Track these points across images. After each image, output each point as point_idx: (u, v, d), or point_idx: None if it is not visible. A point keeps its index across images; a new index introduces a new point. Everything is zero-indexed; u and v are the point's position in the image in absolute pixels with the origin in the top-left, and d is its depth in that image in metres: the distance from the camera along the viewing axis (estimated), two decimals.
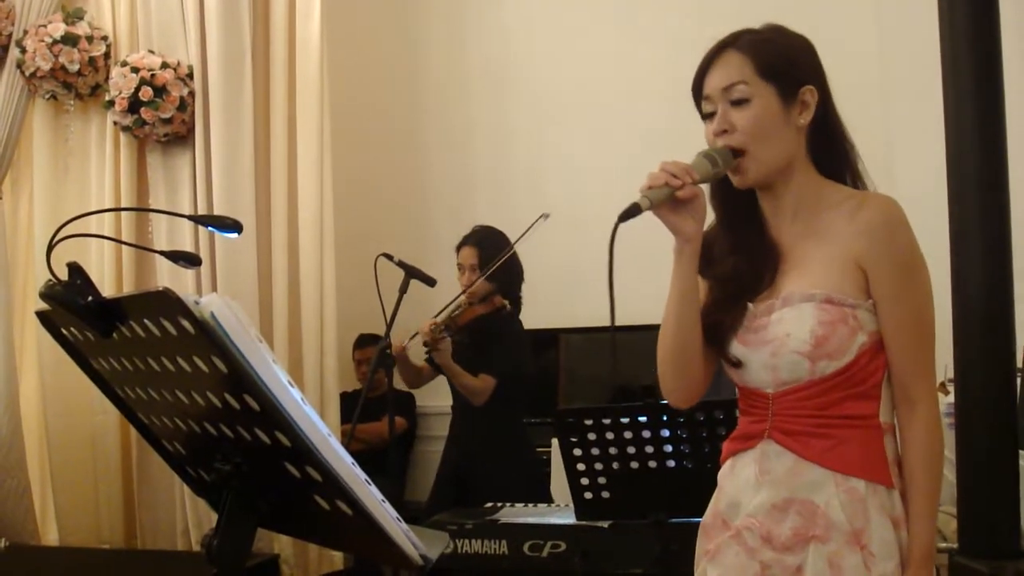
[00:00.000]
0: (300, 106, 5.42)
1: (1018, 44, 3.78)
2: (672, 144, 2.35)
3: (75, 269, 1.54)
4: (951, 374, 2.75)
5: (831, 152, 2.12)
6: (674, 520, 3.24)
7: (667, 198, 1.99)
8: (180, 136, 5.45)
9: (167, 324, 1.40)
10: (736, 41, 2.08)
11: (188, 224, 5.32)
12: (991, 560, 1.08)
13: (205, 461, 1.66)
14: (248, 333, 1.36)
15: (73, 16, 5.51)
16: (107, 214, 5.48)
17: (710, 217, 2.13)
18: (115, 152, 5.59)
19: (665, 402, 3.36)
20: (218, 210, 5.22)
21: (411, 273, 4.41)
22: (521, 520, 3.66)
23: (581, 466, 3.31)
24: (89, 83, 5.53)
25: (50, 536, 5.72)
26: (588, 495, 3.35)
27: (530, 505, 4.01)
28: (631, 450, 3.22)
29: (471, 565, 3.64)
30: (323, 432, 1.41)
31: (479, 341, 4.60)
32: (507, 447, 4.64)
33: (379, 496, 1.46)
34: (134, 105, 5.27)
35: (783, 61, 2.05)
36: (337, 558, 5.35)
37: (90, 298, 1.52)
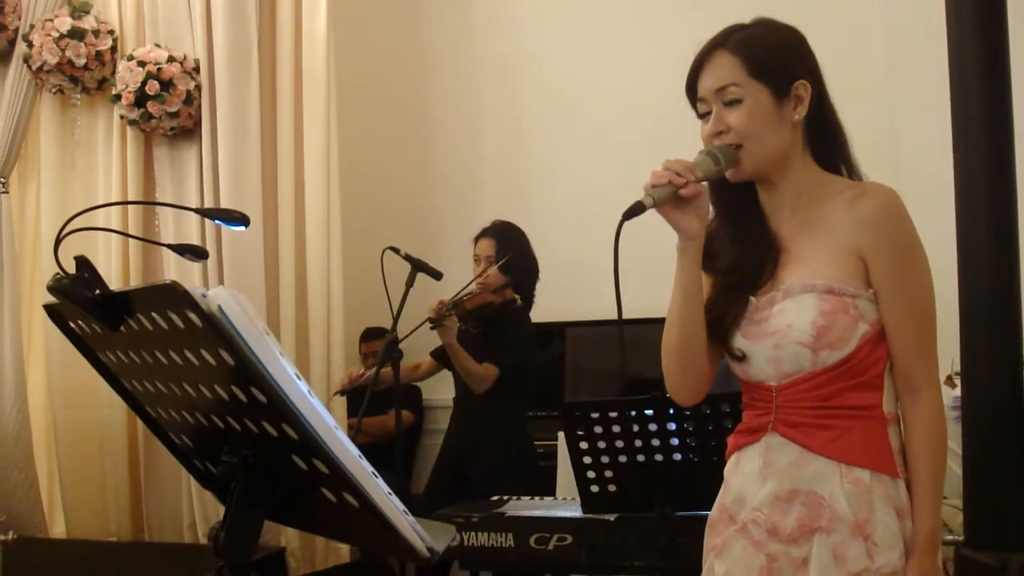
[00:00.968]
0: (307, 99, 5.41)
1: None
2: (681, 139, 2.36)
3: (82, 262, 1.55)
4: (958, 367, 2.75)
5: (827, 144, 2.13)
6: (680, 513, 3.24)
7: (670, 196, 2.00)
8: (187, 130, 5.45)
9: (174, 317, 1.41)
10: (726, 41, 2.09)
11: (195, 218, 5.33)
12: (997, 552, 1.08)
13: (212, 454, 1.67)
14: (255, 326, 1.36)
15: (79, 10, 5.51)
16: (114, 208, 5.49)
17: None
18: (122, 146, 5.59)
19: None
20: (225, 204, 5.22)
21: (418, 267, 4.42)
22: (527, 513, 3.67)
23: (587, 459, 3.31)
24: (96, 77, 5.54)
25: (57, 529, 5.73)
26: (594, 488, 3.35)
27: (536, 498, 4.01)
28: (637, 443, 3.22)
29: (477, 558, 3.64)
30: (330, 424, 1.41)
31: (486, 331, 4.61)
32: (507, 441, 4.65)
33: (386, 489, 1.46)
34: (141, 99, 5.27)
35: (774, 58, 2.06)
36: (344, 551, 5.35)
37: (97, 291, 1.53)
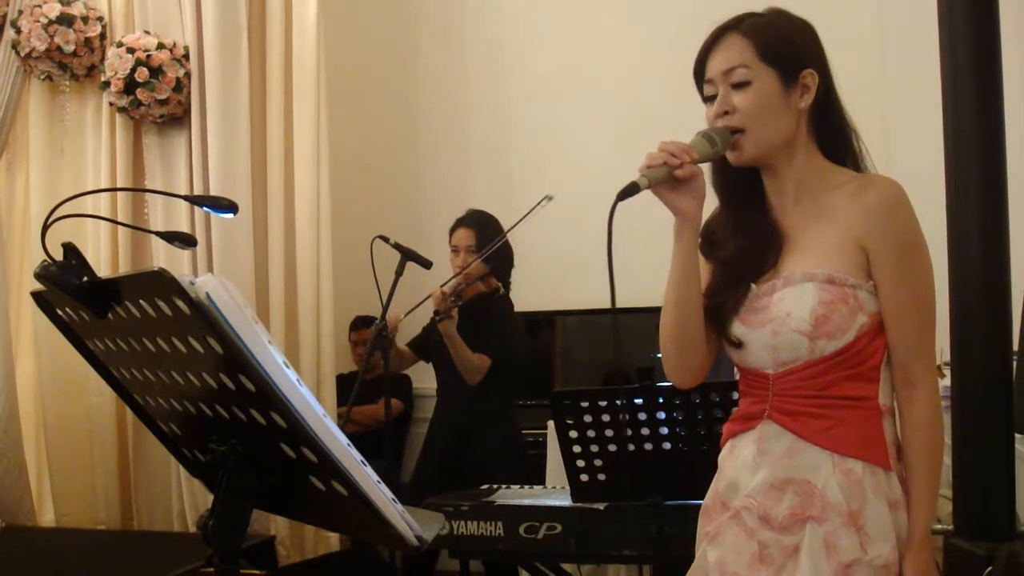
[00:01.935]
0: (296, 87, 5.40)
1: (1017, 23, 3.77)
2: (672, 125, 2.36)
3: (70, 249, 1.54)
4: (947, 357, 2.76)
5: (833, 135, 2.14)
6: (669, 502, 3.25)
7: (666, 177, 2.01)
8: (176, 117, 5.44)
9: (162, 304, 1.40)
10: (738, 25, 2.09)
11: (184, 205, 5.31)
12: (986, 542, 1.08)
13: (201, 442, 1.67)
14: (243, 313, 1.36)
15: None
16: (103, 195, 5.47)
17: (712, 201, 2.14)
18: (111, 133, 5.57)
19: (661, 384, 3.38)
20: (214, 191, 5.21)
21: (407, 255, 4.41)
22: (517, 502, 3.66)
23: (577, 448, 3.31)
24: (85, 64, 5.52)
25: (46, 517, 5.72)
26: (584, 477, 3.35)
27: (526, 487, 4.01)
28: (627, 432, 3.23)
29: (467, 546, 3.64)
30: (318, 413, 1.41)
31: (474, 322, 4.61)
32: (497, 429, 4.66)
33: (375, 477, 1.46)
34: (130, 86, 5.25)
35: (784, 44, 2.06)
36: (333, 539, 5.35)
37: (85, 278, 1.52)
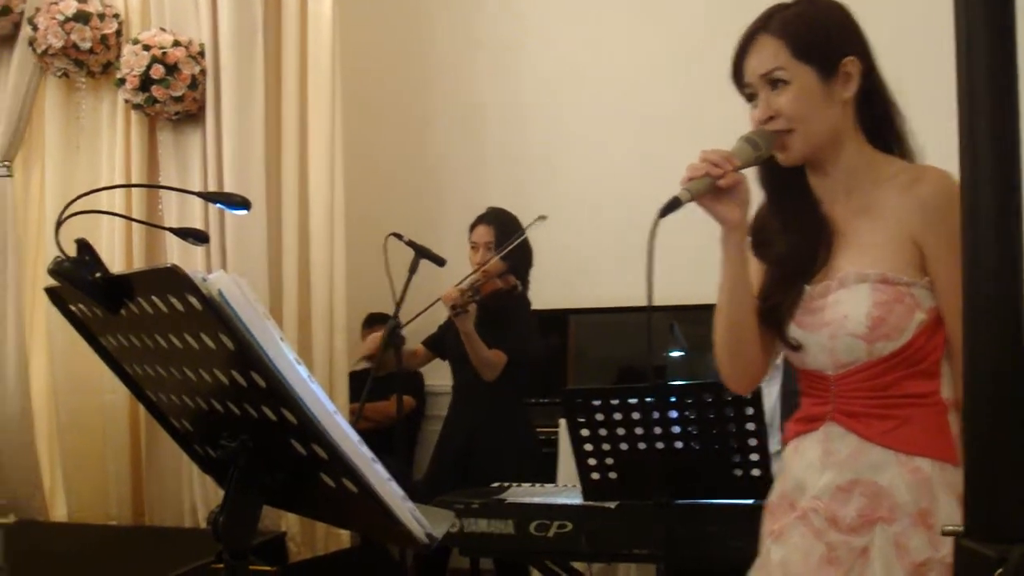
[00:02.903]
0: (312, 85, 5.41)
1: None
2: (685, 125, 2.37)
3: (83, 245, 1.55)
4: None
5: (880, 122, 2.09)
6: (680, 502, 3.24)
7: (708, 188, 1.98)
8: (191, 114, 5.45)
9: (175, 301, 1.40)
10: (767, 24, 2.05)
11: (198, 202, 5.32)
12: (997, 543, 1.08)
13: (212, 438, 1.67)
14: (255, 310, 1.36)
15: None
16: (118, 192, 5.48)
17: (756, 200, 2.12)
18: (126, 130, 5.58)
19: (673, 383, 3.38)
20: (228, 188, 5.21)
21: (421, 253, 4.42)
22: (528, 500, 3.67)
23: (588, 446, 3.31)
24: (101, 61, 5.53)
25: (59, 512, 5.74)
26: (595, 476, 3.35)
27: (537, 485, 4.02)
28: (639, 431, 3.22)
29: (477, 544, 3.64)
30: (329, 410, 1.41)
31: (490, 319, 4.61)
32: (513, 427, 4.66)
33: (385, 474, 1.46)
34: (145, 83, 5.26)
35: (818, 37, 2.02)
36: (344, 536, 5.36)
37: (98, 274, 1.53)
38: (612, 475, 3.33)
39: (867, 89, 2.05)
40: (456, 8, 6.75)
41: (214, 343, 1.42)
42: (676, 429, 3.19)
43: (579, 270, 6.09)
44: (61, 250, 1.60)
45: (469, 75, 6.67)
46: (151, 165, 5.61)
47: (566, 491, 3.82)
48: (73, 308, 1.72)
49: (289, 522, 5.20)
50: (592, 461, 3.33)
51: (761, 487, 3.22)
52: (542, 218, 4.69)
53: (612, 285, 5.98)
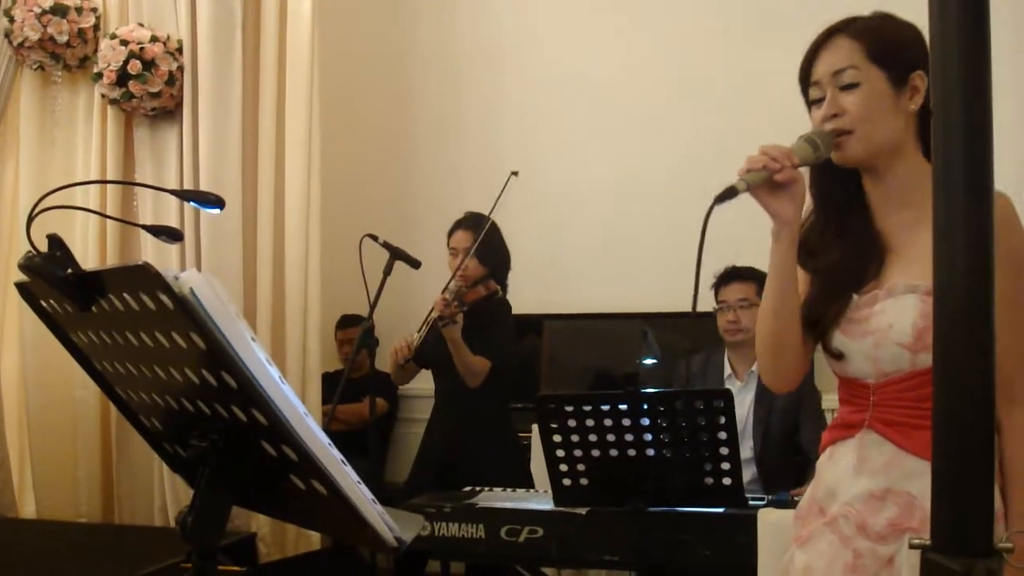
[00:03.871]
0: (289, 84, 5.39)
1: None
2: (663, 134, 2.37)
3: (55, 241, 1.53)
4: None
5: None
6: (652, 509, 3.25)
7: (764, 181, 1.99)
8: (168, 111, 5.43)
9: (146, 299, 1.39)
10: (847, 27, 2.08)
11: (174, 200, 5.30)
12: (963, 558, 1.08)
13: (182, 437, 1.66)
14: (227, 310, 1.35)
15: None
16: (93, 187, 5.45)
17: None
18: (102, 125, 5.56)
19: (646, 390, 3.38)
20: (204, 186, 5.19)
21: (396, 254, 4.41)
22: (499, 504, 3.66)
23: (560, 452, 3.31)
24: (78, 55, 5.50)
25: (27, 508, 5.70)
26: (567, 481, 3.35)
27: (509, 490, 4.01)
28: (611, 437, 3.23)
29: (448, 548, 3.63)
30: (300, 411, 1.41)
31: (474, 325, 4.60)
32: (494, 432, 4.66)
33: (355, 477, 1.46)
34: (122, 78, 5.24)
35: (894, 46, 2.05)
36: (315, 538, 5.35)
37: (69, 270, 1.52)
38: (583, 481, 3.33)
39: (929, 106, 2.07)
40: (435, 10, 6.74)
41: (185, 342, 1.41)
42: (648, 436, 3.20)
43: (555, 276, 6.09)
44: (33, 245, 1.59)
45: (447, 77, 6.66)
46: (127, 161, 5.58)
47: (538, 496, 3.82)
48: (44, 304, 1.70)
49: (260, 523, 5.19)
50: (564, 467, 3.33)
51: (732, 495, 3.23)
52: (514, 174, 4.70)
53: (587, 291, 5.99)
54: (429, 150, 6.67)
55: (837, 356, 2.11)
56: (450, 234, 4.78)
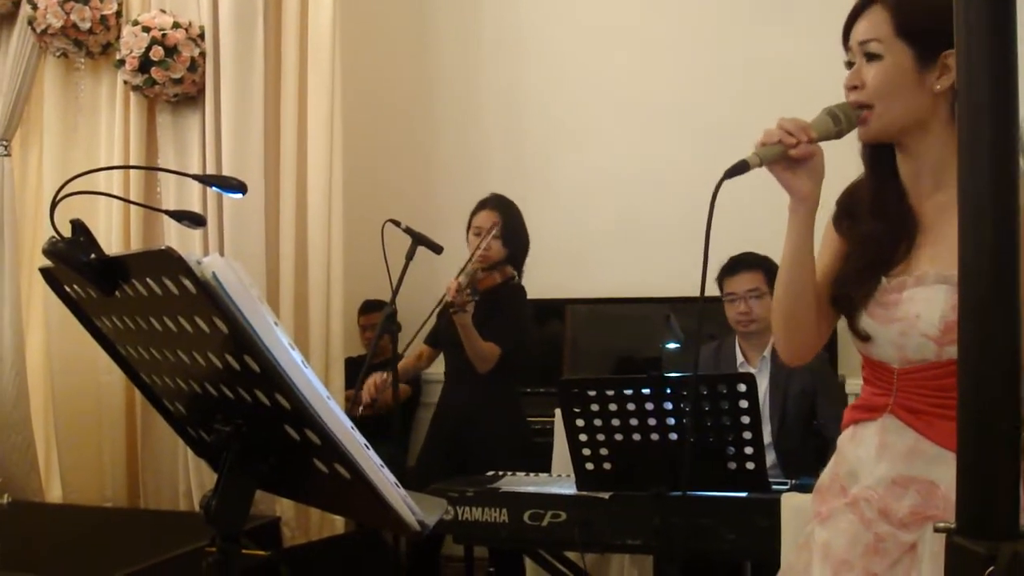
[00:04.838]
0: (311, 68, 5.39)
1: None
2: (682, 118, 2.36)
3: (78, 226, 1.54)
4: None
5: None
6: (674, 493, 3.25)
7: (779, 156, 1.97)
8: (190, 97, 5.43)
9: (169, 283, 1.40)
10: None
11: (197, 185, 5.31)
12: (988, 540, 1.08)
13: (206, 422, 1.67)
14: (250, 294, 1.36)
15: None
16: (116, 173, 5.46)
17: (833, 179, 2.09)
18: (125, 111, 5.57)
19: (669, 375, 3.37)
20: (227, 171, 5.19)
21: (418, 240, 4.42)
22: (522, 489, 3.67)
23: (583, 437, 3.31)
24: (100, 41, 5.51)
25: (53, 493, 5.74)
26: (589, 466, 3.35)
27: (531, 474, 4.02)
28: (633, 422, 3.23)
29: (471, 532, 3.64)
30: (322, 395, 1.41)
31: (486, 309, 4.60)
32: (504, 417, 4.67)
33: (378, 461, 1.46)
34: (145, 65, 5.25)
35: (927, 22, 1.98)
36: (338, 522, 5.36)
37: (92, 255, 1.52)
38: (607, 465, 3.33)
39: None
40: None
41: (208, 327, 1.41)
42: (671, 421, 3.19)
43: (576, 260, 6.08)
44: (56, 230, 1.59)
45: (469, 62, 6.65)
46: (149, 147, 5.59)
47: (560, 481, 3.82)
48: (68, 289, 1.71)
49: (284, 507, 5.21)
50: (587, 451, 3.33)
51: (755, 479, 3.23)
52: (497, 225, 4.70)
53: (610, 276, 5.98)
54: (451, 137, 6.67)
55: (864, 338, 2.09)
56: (473, 213, 4.77)
